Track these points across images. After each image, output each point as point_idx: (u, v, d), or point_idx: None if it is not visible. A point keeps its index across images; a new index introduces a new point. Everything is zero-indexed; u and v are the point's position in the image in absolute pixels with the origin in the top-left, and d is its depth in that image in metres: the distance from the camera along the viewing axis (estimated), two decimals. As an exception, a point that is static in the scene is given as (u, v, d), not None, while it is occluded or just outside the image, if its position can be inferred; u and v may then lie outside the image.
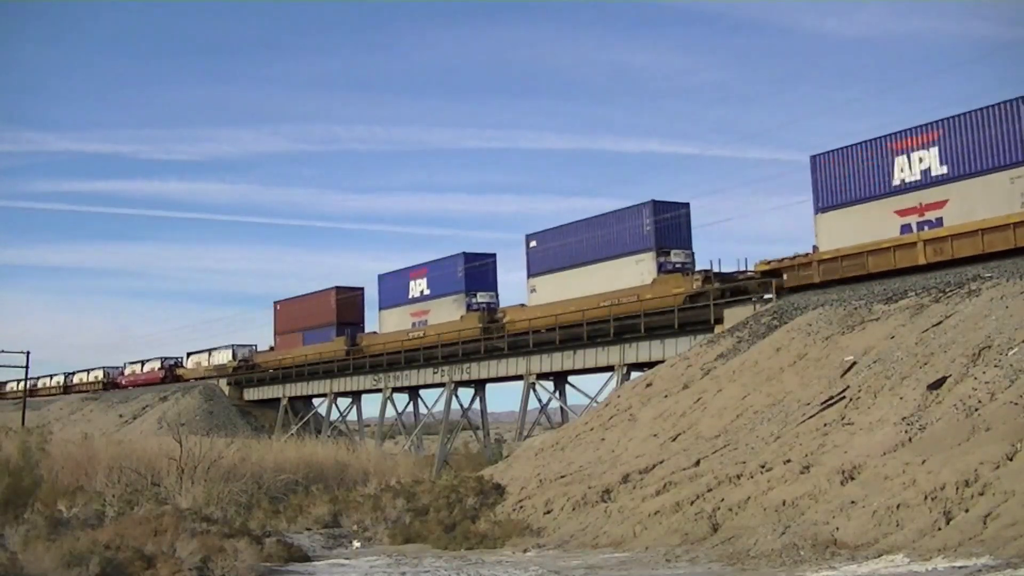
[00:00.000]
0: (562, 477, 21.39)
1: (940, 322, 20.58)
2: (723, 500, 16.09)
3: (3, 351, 52.57)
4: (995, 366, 16.36)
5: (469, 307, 45.10)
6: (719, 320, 31.38)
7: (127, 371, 77.67)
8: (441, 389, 46.35)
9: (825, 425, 17.93)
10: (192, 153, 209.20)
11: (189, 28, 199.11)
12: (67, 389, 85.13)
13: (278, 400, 59.18)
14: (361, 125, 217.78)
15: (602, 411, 27.59)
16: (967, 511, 12.50)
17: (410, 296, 49.20)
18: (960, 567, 10.83)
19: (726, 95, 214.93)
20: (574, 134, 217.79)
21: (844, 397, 18.88)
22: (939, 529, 12.37)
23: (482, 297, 45.55)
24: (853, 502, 14.01)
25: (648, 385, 27.24)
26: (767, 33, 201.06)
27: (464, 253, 46.10)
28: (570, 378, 41.41)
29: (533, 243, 41.19)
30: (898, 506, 13.26)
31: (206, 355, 68.56)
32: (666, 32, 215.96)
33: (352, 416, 55.11)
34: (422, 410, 51.20)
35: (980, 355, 17.17)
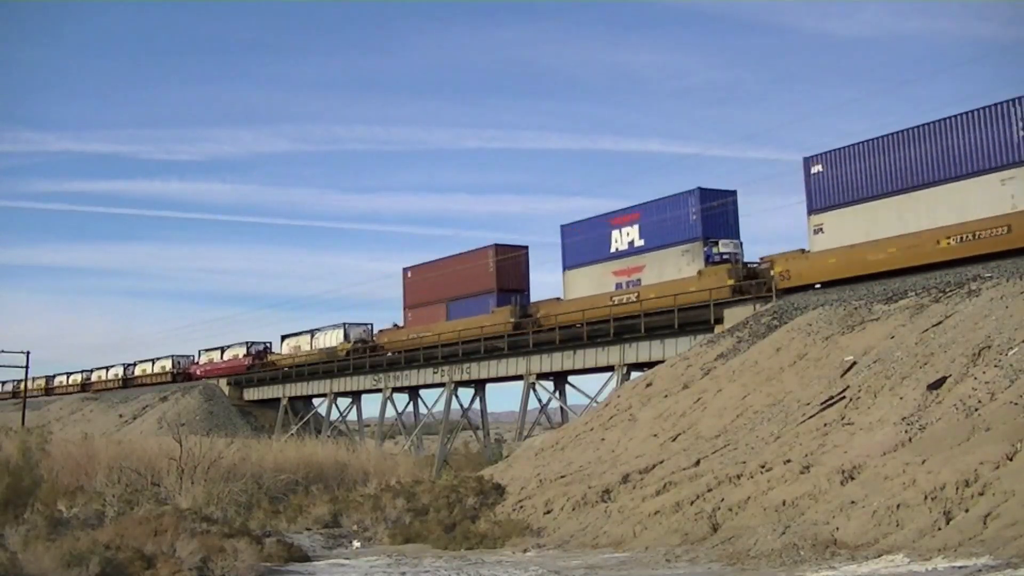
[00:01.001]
0: (562, 477, 21.39)
1: (940, 322, 20.58)
2: (723, 500, 16.09)
3: (3, 351, 52.67)
4: (995, 366, 16.37)
5: (708, 259, 34.40)
6: (719, 320, 31.40)
7: (202, 359, 69.87)
8: (441, 389, 46.36)
9: (825, 425, 17.93)
10: (193, 153, 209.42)
11: (190, 28, 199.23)
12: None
13: (278, 400, 59.19)
14: (361, 125, 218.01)
15: (602, 411, 27.59)
16: (967, 511, 12.50)
17: (613, 249, 37.68)
18: (960, 567, 10.83)
19: (726, 95, 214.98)
20: (575, 134, 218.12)
21: (844, 397, 18.88)
22: (939, 529, 12.37)
23: (725, 246, 34.46)
24: (853, 502, 14.00)
25: (648, 385, 27.24)
26: (767, 33, 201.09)
27: (700, 189, 35.23)
28: (570, 378, 41.43)
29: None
30: (898, 506, 13.25)
31: (307, 337, 58.40)
32: (666, 32, 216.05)
33: (352, 416, 55.17)
34: (422, 410, 51.25)
35: (980, 355, 17.17)
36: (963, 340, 18.36)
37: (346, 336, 54.30)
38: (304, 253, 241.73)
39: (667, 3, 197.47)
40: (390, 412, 51.44)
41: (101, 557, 13.19)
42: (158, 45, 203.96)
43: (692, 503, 16.45)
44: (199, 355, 70.59)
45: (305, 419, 55.84)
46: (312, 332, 57.69)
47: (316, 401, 58.15)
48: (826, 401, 19.15)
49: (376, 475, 28.87)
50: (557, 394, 41.77)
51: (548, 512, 18.97)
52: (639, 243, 36.89)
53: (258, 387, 61.80)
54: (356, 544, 19.20)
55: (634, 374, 34.65)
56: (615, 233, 37.91)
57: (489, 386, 45.30)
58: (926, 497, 13.10)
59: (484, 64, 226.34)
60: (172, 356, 73.50)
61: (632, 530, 16.35)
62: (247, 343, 64.63)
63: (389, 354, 49.77)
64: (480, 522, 19.39)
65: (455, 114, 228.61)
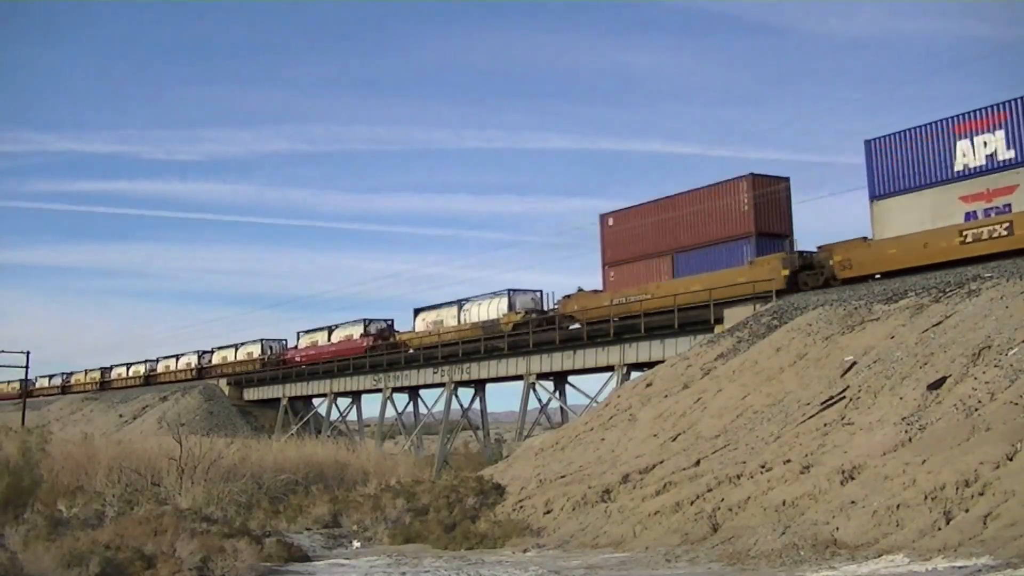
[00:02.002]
0: (562, 477, 21.40)
1: (940, 322, 20.59)
2: (723, 500, 16.09)
3: (3, 351, 52.70)
4: (995, 366, 16.37)
5: None
6: (719, 320, 31.38)
7: (302, 342, 59.73)
8: (441, 389, 46.38)
9: (825, 425, 17.93)
10: (193, 153, 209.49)
11: (190, 29, 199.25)
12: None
13: (278, 400, 59.21)
14: (362, 126, 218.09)
15: (602, 411, 27.59)
16: (967, 511, 12.50)
17: (958, 168, 26.89)
18: (960, 567, 10.83)
19: (727, 95, 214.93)
20: (575, 134, 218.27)
21: (844, 397, 18.88)
22: (939, 529, 12.37)
23: None
24: (853, 502, 14.01)
25: (648, 385, 27.25)
26: (768, 33, 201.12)
27: None
28: (570, 378, 41.43)
29: None
30: (898, 506, 13.26)
31: (453, 310, 47.21)
32: (667, 33, 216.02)
33: (352, 416, 55.20)
34: (422, 410, 51.26)
35: (980, 355, 17.18)
36: (963, 340, 18.37)
37: (511, 306, 43.48)
38: (304, 253, 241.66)
39: (667, 3, 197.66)
40: (390, 412, 51.53)
41: (101, 557, 13.19)
42: (159, 45, 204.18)
43: (692, 503, 16.45)
44: (297, 338, 60.04)
45: (305, 419, 55.89)
46: (460, 303, 47.16)
47: (316, 401, 58.20)
48: (826, 401, 19.15)
49: (376, 475, 28.91)
50: (557, 394, 41.78)
51: (548, 512, 18.97)
52: (1006, 156, 25.70)
53: (258, 387, 61.82)
54: (356, 544, 19.21)
55: (634, 374, 34.65)
56: (962, 145, 27.25)
57: (489, 386, 45.37)
58: (926, 497, 13.10)
59: (484, 64, 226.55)
60: (261, 340, 63.53)
61: (632, 530, 16.35)
62: (364, 320, 53.83)
63: (576, 325, 38.80)
64: (480, 522, 19.40)
65: (455, 114, 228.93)
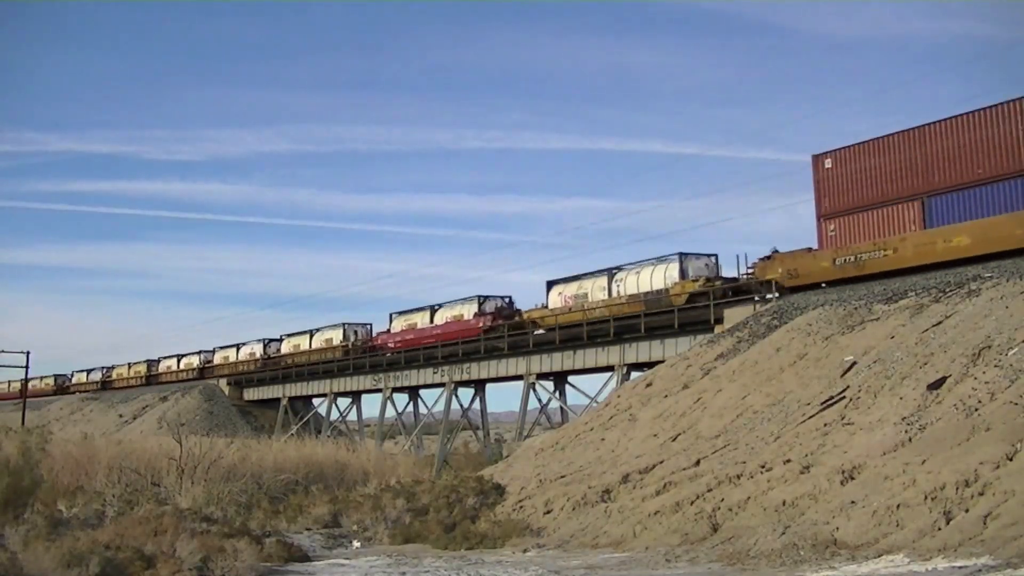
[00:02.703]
0: (562, 477, 21.39)
1: (940, 322, 20.58)
2: (723, 500, 16.09)
3: (3, 351, 52.69)
4: (995, 366, 16.37)
5: None
6: (719, 320, 31.39)
7: (396, 325, 50.59)
8: (441, 389, 46.38)
9: (825, 425, 17.93)
10: (194, 153, 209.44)
11: (191, 29, 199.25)
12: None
13: (278, 400, 59.21)
14: (362, 126, 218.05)
15: (602, 411, 27.59)
16: (967, 511, 12.50)
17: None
18: (960, 567, 10.83)
19: (727, 95, 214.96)
20: (576, 134, 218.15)
21: (844, 397, 18.88)
22: (939, 529, 12.37)
23: None
24: (853, 502, 14.01)
25: (648, 385, 27.25)
26: (768, 33, 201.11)
27: None
28: (570, 378, 41.43)
29: None
30: (898, 506, 13.26)
31: (601, 280, 38.49)
32: (667, 32, 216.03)
33: (352, 416, 55.18)
34: (422, 410, 51.25)
35: (980, 355, 17.17)
36: (963, 340, 18.36)
37: (683, 272, 34.85)
38: (305, 253, 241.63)
39: (667, 3, 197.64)
40: (390, 412, 51.51)
41: (101, 557, 13.20)
42: (159, 45, 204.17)
43: (692, 503, 16.45)
44: (389, 320, 50.79)
45: (305, 419, 55.85)
46: (611, 272, 38.13)
47: (316, 401, 58.19)
48: (826, 401, 19.15)
49: (376, 475, 28.92)
50: (557, 394, 41.78)
51: (548, 512, 18.97)
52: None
53: (258, 387, 61.81)
54: (356, 544, 19.21)
55: (634, 374, 34.64)
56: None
57: (489, 386, 45.35)
58: (926, 497, 13.10)
59: (485, 64, 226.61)
60: (344, 324, 56.14)
61: (632, 530, 16.36)
62: (478, 298, 45.35)
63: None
64: (480, 522, 19.40)
65: (456, 114, 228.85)
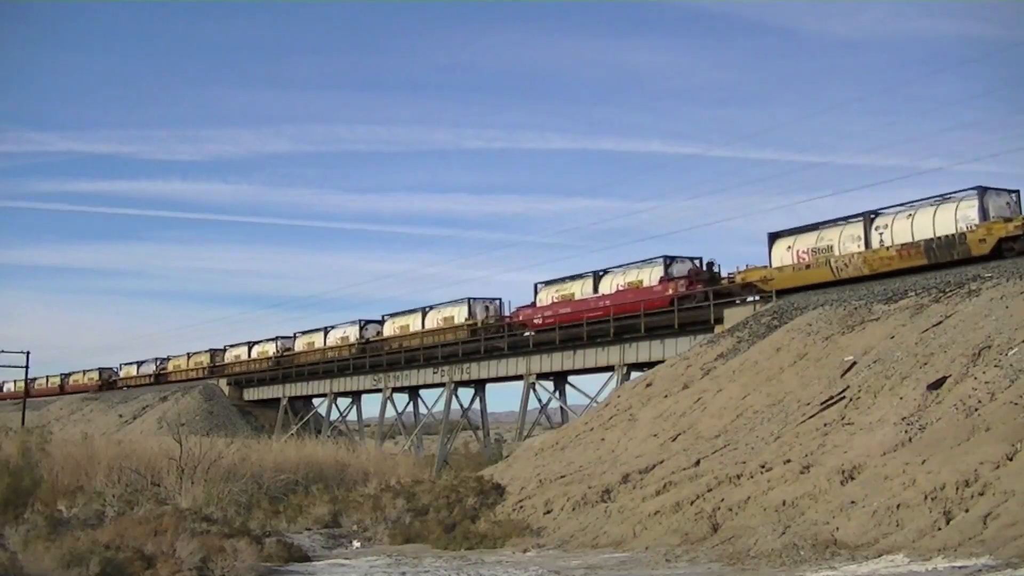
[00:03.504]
0: (562, 477, 21.39)
1: (940, 322, 20.58)
2: (723, 500, 16.09)
3: (3, 351, 52.69)
4: (995, 366, 16.38)
5: None
6: (719, 320, 31.39)
7: (543, 297, 41.35)
8: (441, 389, 46.38)
9: (825, 425, 17.93)
10: (194, 153, 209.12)
11: (191, 28, 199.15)
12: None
13: (278, 400, 59.21)
14: (362, 125, 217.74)
15: (602, 411, 27.59)
16: (967, 511, 12.50)
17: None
18: (960, 567, 10.83)
19: (727, 95, 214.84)
20: (576, 134, 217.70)
21: (844, 397, 18.88)
22: (939, 529, 12.37)
23: None
24: (853, 502, 14.01)
25: (648, 385, 27.25)
26: (769, 34, 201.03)
27: None
28: (570, 378, 41.43)
29: None
30: (898, 506, 13.26)
31: (855, 228, 29.61)
32: (668, 32, 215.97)
33: (352, 416, 55.18)
34: (422, 410, 51.25)
35: (980, 355, 17.18)
36: (963, 340, 18.37)
37: (983, 211, 26.49)
38: (305, 253, 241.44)
39: (668, 3, 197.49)
40: (390, 412, 51.51)
41: (101, 557, 13.20)
42: (159, 45, 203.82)
43: (692, 503, 16.45)
44: (534, 292, 41.68)
45: (305, 419, 55.83)
46: (867, 217, 29.66)
47: (316, 401, 58.18)
48: (826, 401, 19.15)
49: (376, 475, 28.88)
50: (557, 394, 41.78)
51: (548, 512, 18.97)
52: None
53: (258, 387, 61.82)
54: (356, 544, 19.21)
55: (634, 374, 34.63)
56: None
57: (489, 386, 45.34)
58: (926, 497, 13.10)
59: (485, 64, 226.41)
60: (468, 299, 47.00)
61: (632, 530, 16.36)
62: (664, 259, 35.75)
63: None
64: (480, 522, 19.40)
65: (456, 114, 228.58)
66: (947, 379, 16.93)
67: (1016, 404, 14.67)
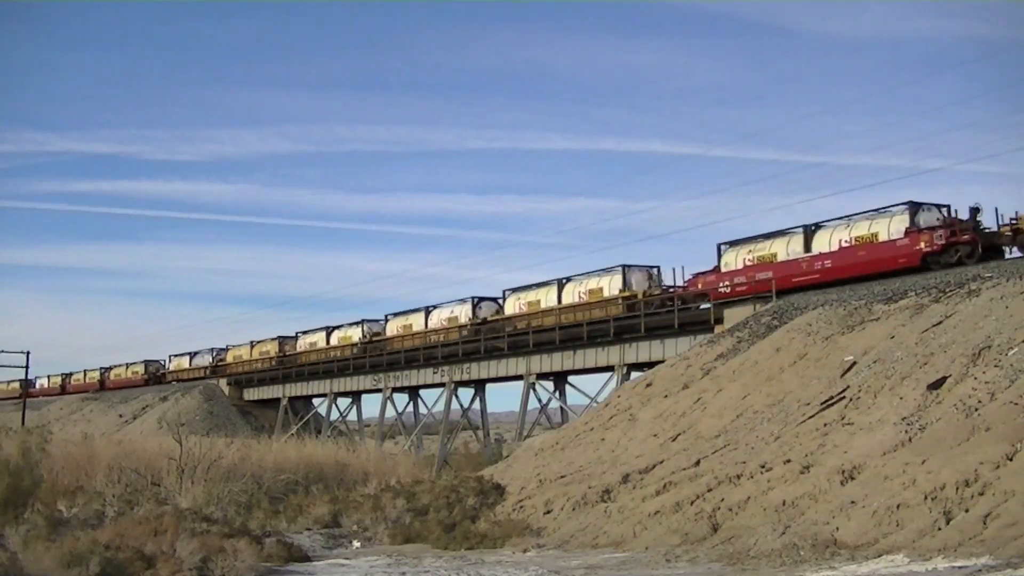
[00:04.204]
0: (562, 477, 21.40)
1: (940, 322, 20.59)
2: (723, 500, 16.09)
3: (3, 351, 52.67)
4: (995, 366, 16.38)
5: None
6: (719, 320, 31.40)
7: (724, 262, 33.70)
8: (441, 389, 46.39)
9: (825, 425, 17.93)
10: (195, 154, 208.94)
11: (191, 29, 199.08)
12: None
13: (278, 400, 59.22)
14: (363, 126, 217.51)
15: (602, 411, 27.60)
16: (967, 511, 12.50)
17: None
18: (960, 567, 10.83)
19: (727, 95, 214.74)
20: (576, 134, 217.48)
21: (844, 397, 18.89)
22: (939, 529, 12.37)
23: None
24: (853, 502, 14.01)
25: (648, 385, 27.25)
26: (769, 34, 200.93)
27: None
28: (570, 378, 41.45)
29: None
30: (898, 506, 13.26)
31: None
32: (668, 33, 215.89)
33: (352, 416, 55.20)
34: (422, 410, 51.27)
35: (980, 355, 17.18)
36: (963, 340, 18.37)
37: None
38: (305, 253, 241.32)
39: (669, 3, 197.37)
40: (390, 412, 51.53)
41: (101, 557, 13.20)
42: (160, 45, 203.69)
43: (692, 503, 16.45)
44: (719, 254, 34.17)
45: (305, 419, 55.86)
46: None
47: (316, 401, 58.21)
48: (826, 401, 19.15)
49: (376, 475, 28.86)
50: (557, 394, 41.79)
51: (548, 512, 18.97)
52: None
53: (258, 387, 61.83)
54: (356, 544, 19.21)
55: (634, 374, 34.66)
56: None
57: (489, 386, 45.37)
58: (926, 497, 13.10)
59: (486, 64, 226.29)
60: (622, 266, 38.30)
61: (632, 530, 16.36)
62: (909, 204, 29.26)
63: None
64: (480, 522, 19.40)
65: (457, 114, 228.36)
66: (947, 379, 16.93)
67: (1016, 404, 14.67)
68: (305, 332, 60.47)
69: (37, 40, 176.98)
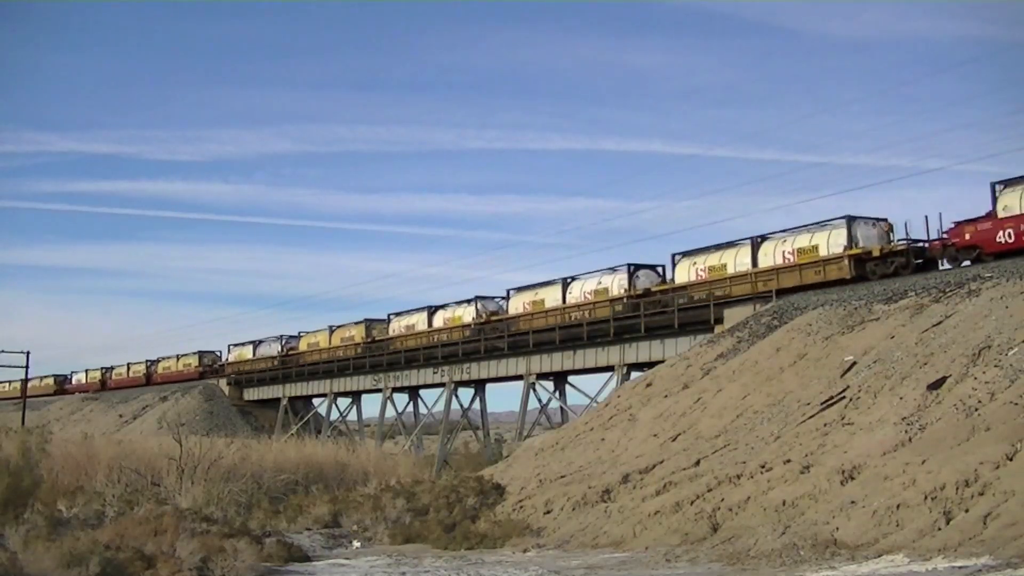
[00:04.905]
0: (562, 477, 21.40)
1: (940, 322, 20.59)
2: (723, 500, 16.09)
3: (3, 351, 52.69)
4: (995, 366, 16.38)
5: None
6: (719, 320, 31.40)
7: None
8: (441, 389, 46.39)
9: (825, 425, 17.93)
10: (196, 154, 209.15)
11: (192, 29, 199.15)
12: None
13: (278, 400, 59.22)
14: (364, 126, 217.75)
15: (602, 411, 27.60)
16: (967, 511, 12.50)
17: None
18: (960, 567, 10.83)
19: (728, 96, 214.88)
20: (577, 135, 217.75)
21: (844, 397, 18.89)
22: (939, 529, 12.37)
23: None
24: (853, 502, 14.01)
25: (648, 385, 27.25)
26: (770, 34, 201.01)
27: None
28: (570, 378, 41.45)
29: None
30: (898, 506, 13.26)
31: None
32: (669, 33, 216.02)
33: (352, 416, 55.19)
34: (422, 410, 51.28)
35: (980, 355, 17.18)
36: (963, 340, 18.37)
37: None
38: (305, 253, 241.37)
39: (669, 3, 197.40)
40: (390, 412, 51.53)
41: (101, 557, 13.19)
42: (160, 45, 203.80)
43: (692, 503, 16.45)
44: (993, 194, 27.35)
45: (305, 419, 55.88)
46: None
47: (316, 401, 58.21)
48: (826, 401, 19.15)
49: (376, 475, 28.86)
50: (557, 394, 41.79)
51: (548, 512, 18.97)
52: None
53: (258, 387, 61.81)
54: (356, 544, 19.20)
55: (634, 374, 34.66)
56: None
57: (489, 386, 45.37)
58: (926, 497, 13.10)
59: (486, 64, 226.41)
60: (847, 217, 30.85)
61: (632, 530, 16.36)
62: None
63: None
64: (480, 522, 19.39)
65: (457, 114, 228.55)
66: (947, 379, 16.93)
67: (1016, 404, 14.67)
68: (398, 314, 52.44)
69: (37, 40, 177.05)
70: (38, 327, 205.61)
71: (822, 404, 19.08)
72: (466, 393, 45.94)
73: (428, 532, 18.95)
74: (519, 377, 41.28)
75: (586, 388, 78.03)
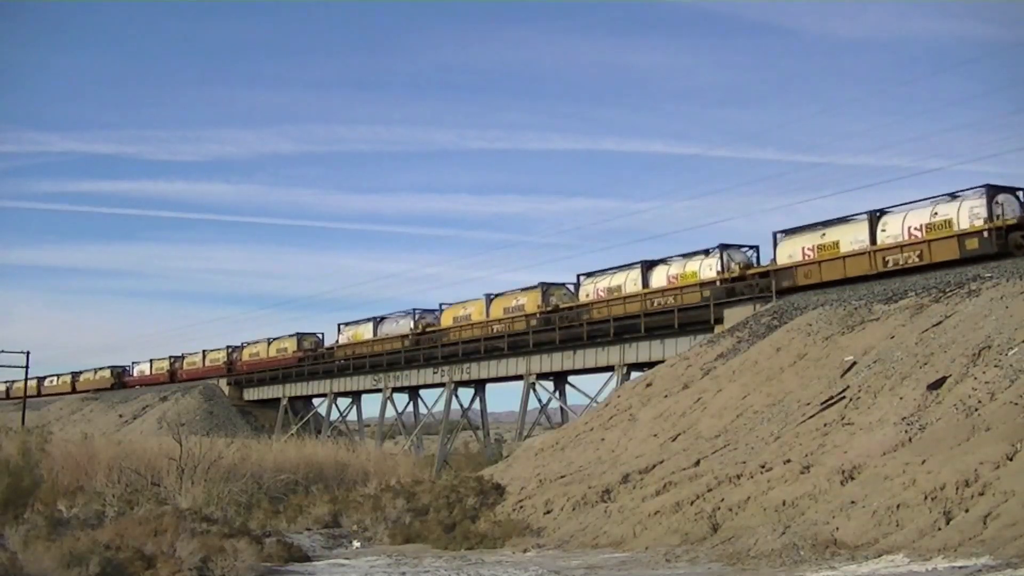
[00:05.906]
0: (562, 477, 21.39)
1: (940, 322, 20.58)
2: (723, 500, 16.09)
3: (3, 351, 52.69)
4: (995, 366, 16.37)
5: None
6: (719, 320, 31.40)
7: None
8: (441, 389, 46.38)
9: (825, 425, 17.93)
10: (196, 154, 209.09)
11: (193, 29, 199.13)
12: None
13: (278, 400, 59.20)
14: (364, 126, 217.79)
15: (602, 411, 27.59)
16: (967, 511, 12.50)
17: None
18: (960, 567, 10.83)
19: (728, 96, 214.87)
20: (577, 135, 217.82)
21: (844, 397, 18.88)
22: (939, 529, 12.37)
23: None
24: (853, 502, 14.01)
25: (648, 385, 27.24)
26: (770, 34, 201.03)
27: None
28: (570, 378, 41.43)
29: None
30: (898, 506, 13.26)
31: None
32: (669, 33, 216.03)
33: (352, 416, 55.17)
34: (422, 410, 51.27)
35: (980, 355, 17.18)
36: (963, 340, 18.36)
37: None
38: (306, 253, 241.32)
39: (670, 3, 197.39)
40: (390, 412, 51.52)
41: (101, 557, 13.19)
42: (161, 45, 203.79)
43: (692, 503, 16.45)
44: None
45: (305, 419, 55.85)
46: None
47: (316, 401, 58.18)
48: (826, 401, 19.15)
49: (376, 475, 28.88)
50: (557, 394, 41.79)
51: (548, 512, 18.97)
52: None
53: (258, 387, 61.81)
54: (356, 544, 19.20)
55: (634, 374, 34.65)
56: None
57: (489, 386, 45.35)
58: (926, 497, 13.10)
59: (487, 64, 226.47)
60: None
61: (632, 530, 16.35)
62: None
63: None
64: (480, 522, 19.39)
65: (458, 115, 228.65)
66: (947, 379, 16.93)
67: (1016, 404, 14.67)
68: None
69: (37, 40, 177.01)
70: (38, 327, 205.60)
71: (822, 404, 19.08)
72: (466, 393, 45.95)
73: (428, 532, 18.95)
74: (519, 377, 41.28)
75: (586, 388, 77.96)
